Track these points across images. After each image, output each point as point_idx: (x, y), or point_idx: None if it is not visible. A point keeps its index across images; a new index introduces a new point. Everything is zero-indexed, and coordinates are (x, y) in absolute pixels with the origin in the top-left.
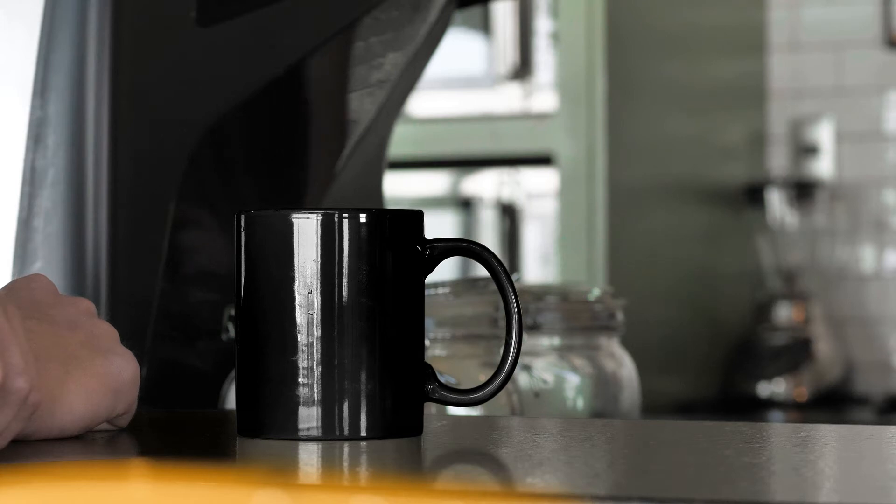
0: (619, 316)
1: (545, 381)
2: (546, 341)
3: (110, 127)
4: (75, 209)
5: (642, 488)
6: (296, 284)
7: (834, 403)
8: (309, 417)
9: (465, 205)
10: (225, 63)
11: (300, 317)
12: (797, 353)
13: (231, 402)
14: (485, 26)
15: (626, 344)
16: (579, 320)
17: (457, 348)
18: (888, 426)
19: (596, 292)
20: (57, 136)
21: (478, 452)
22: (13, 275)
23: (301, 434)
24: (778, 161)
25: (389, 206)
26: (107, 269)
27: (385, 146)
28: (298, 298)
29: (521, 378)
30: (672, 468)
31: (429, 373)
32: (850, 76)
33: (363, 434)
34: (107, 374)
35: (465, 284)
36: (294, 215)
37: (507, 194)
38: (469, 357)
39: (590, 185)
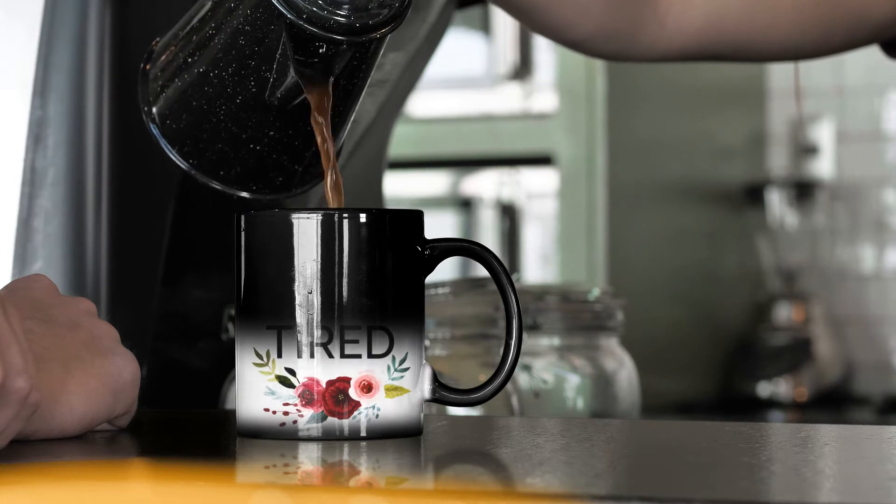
0: (619, 316)
1: (545, 381)
2: (546, 341)
3: (110, 127)
4: (75, 209)
5: (642, 488)
6: (296, 284)
7: (834, 403)
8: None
9: (465, 205)
10: None
11: (300, 317)
12: (797, 353)
13: (231, 402)
14: (485, 26)
15: (626, 344)
16: (579, 320)
17: (457, 348)
18: (888, 426)
19: (596, 292)
20: (57, 136)
21: (478, 452)
22: (13, 275)
23: (301, 434)
24: (778, 161)
25: (389, 206)
26: (107, 269)
27: (385, 146)
28: (298, 298)
29: (521, 378)
30: (672, 468)
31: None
32: (850, 76)
33: (363, 434)
34: (107, 375)
35: (465, 284)
36: (294, 215)
37: (507, 194)
38: (469, 357)
39: (590, 185)
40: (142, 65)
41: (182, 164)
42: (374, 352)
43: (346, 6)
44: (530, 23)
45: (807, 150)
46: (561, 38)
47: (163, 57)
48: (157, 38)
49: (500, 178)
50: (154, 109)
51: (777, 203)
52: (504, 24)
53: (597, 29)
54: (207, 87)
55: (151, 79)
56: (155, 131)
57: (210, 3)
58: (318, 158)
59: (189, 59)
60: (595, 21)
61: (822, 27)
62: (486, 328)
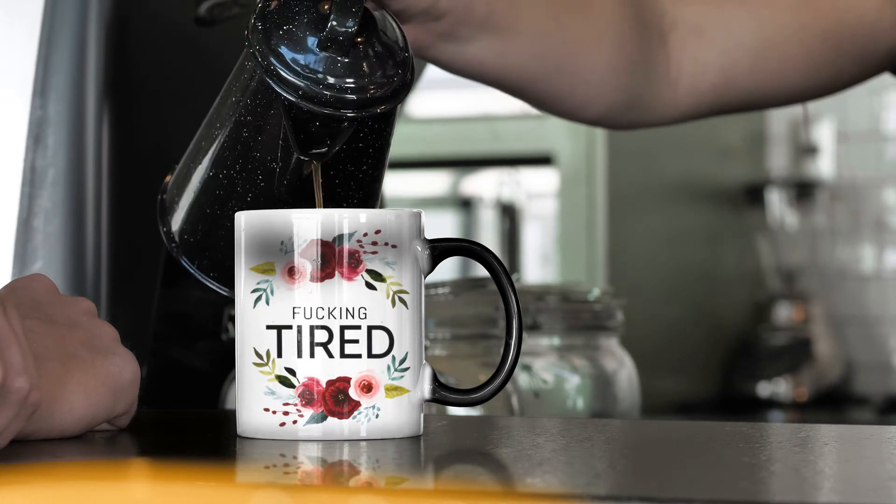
0: (619, 316)
1: (545, 381)
2: (546, 341)
3: (110, 127)
4: (75, 209)
5: (642, 488)
6: (296, 284)
7: (834, 403)
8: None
9: (465, 205)
10: (225, 63)
11: (300, 317)
12: (797, 353)
13: (231, 402)
14: None
15: (626, 344)
16: (579, 320)
17: (457, 348)
18: (888, 426)
19: (596, 292)
20: (57, 136)
21: (478, 452)
22: (13, 275)
23: (301, 435)
24: (778, 161)
25: (389, 206)
26: (107, 269)
27: None
28: (298, 298)
29: (521, 378)
30: (672, 468)
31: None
32: None
33: (363, 434)
34: (107, 374)
35: (465, 284)
36: (294, 215)
37: (507, 194)
38: (469, 357)
39: (590, 185)
40: (158, 196)
41: (204, 280)
42: (373, 352)
43: (351, 82)
44: (547, 108)
45: (807, 150)
46: (578, 118)
47: (175, 178)
48: (170, 174)
49: (500, 178)
50: (174, 230)
51: (777, 203)
52: None
53: (612, 104)
54: (218, 189)
55: (168, 204)
56: (182, 259)
57: (211, 111)
58: None
59: (198, 167)
60: (609, 98)
61: (832, 66)
62: (486, 328)
